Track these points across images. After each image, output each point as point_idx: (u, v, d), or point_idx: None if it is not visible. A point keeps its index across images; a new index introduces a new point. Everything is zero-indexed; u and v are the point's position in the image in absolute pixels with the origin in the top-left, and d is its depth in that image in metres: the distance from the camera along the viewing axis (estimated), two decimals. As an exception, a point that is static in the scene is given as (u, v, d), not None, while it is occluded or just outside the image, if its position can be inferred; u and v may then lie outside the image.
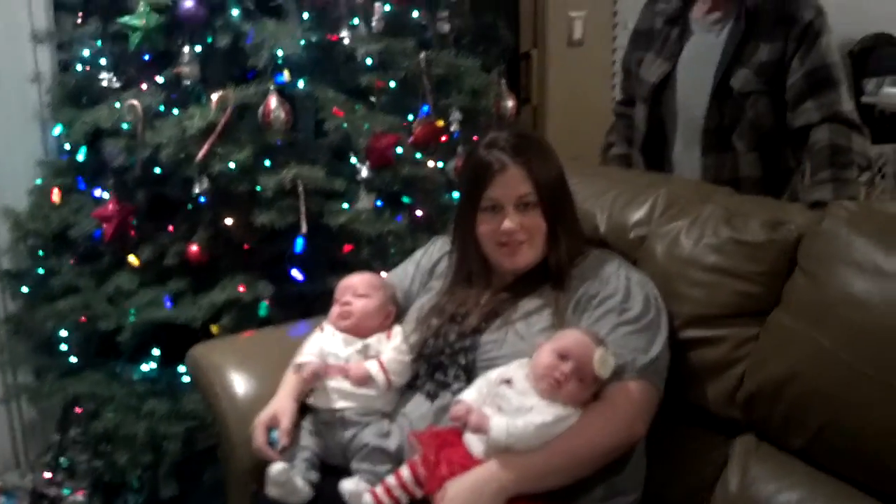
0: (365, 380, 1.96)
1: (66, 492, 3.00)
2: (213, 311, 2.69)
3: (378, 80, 2.85)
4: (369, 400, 1.97)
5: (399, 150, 2.78)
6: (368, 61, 2.85)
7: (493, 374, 1.84)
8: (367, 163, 2.71)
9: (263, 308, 2.70)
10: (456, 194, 2.88)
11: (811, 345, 1.73)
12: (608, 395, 1.79)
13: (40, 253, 3.05)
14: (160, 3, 2.71)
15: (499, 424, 1.71)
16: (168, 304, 2.77)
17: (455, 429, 1.81)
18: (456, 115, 2.99)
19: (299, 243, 2.67)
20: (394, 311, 2.14)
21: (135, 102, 2.71)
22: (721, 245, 1.96)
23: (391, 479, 1.81)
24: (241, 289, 2.69)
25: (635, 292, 1.90)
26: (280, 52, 2.64)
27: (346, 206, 2.70)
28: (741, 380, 1.90)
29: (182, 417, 2.72)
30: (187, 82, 2.73)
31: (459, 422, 1.79)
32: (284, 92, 2.68)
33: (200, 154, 2.60)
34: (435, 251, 2.26)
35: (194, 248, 2.74)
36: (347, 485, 1.82)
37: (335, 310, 2.10)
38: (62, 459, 3.06)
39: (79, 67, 3.03)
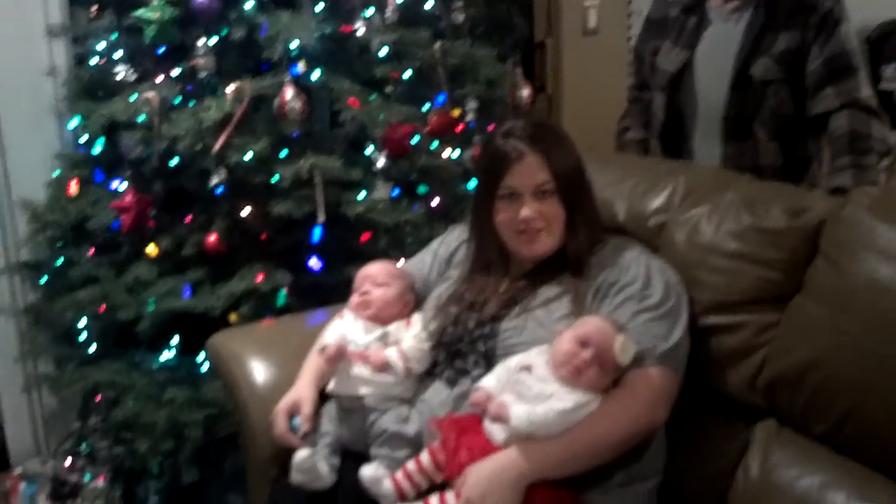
0: (384, 366, 1.96)
1: (86, 478, 3.01)
2: (232, 301, 2.70)
3: (393, 71, 2.85)
4: (388, 387, 1.98)
5: (415, 139, 2.78)
6: (383, 52, 2.84)
7: (513, 361, 1.84)
8: (384, 153, 2.72)
9: (282, 297, 2.71)
10: (472, 183, 2.88)
11: (833, 331, 1.73)
12: (628, 381, 1.79)
13: (59, 244, 3.06)
14: (174, -3, 2.72)
15: (519, 413, 1.72)
16: (187, 293, 2.78)
17: (475, 415, 1.81)
18: (471, 105, 3.00)
19: (317, 233, 2.68)
20: (413, 300, 2.15)
21: (151, 95, 2.71)
22: (742, 232, 1.95)
23: (411, 465, 1.82)
24: (260, 278, 2.70)
25: (655, 279, 1.90)
26: (295, 44, 2.64)
27: (362, 195, 2.71)
28: (762, 366, 1.90)
29: (202, 405, 2.73)
30: (203, 74, 2.74)
31: (479, 408, 1.80)
32: (300, 83, 2.68)
33: (217, 145, 2.61)
34: (452, 240, 2.27)
35: (212, 238, 2.75)
36: (367, 470, 1.82)
37: (354, 299, 2.11)
38: (83, 447, 3.08)
39: (94, 61, 3.03)
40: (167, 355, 2.88)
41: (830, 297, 1.78)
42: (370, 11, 2.85)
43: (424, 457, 1.81)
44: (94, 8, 3.07)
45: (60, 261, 3.05)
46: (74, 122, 3.07)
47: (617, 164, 2.41)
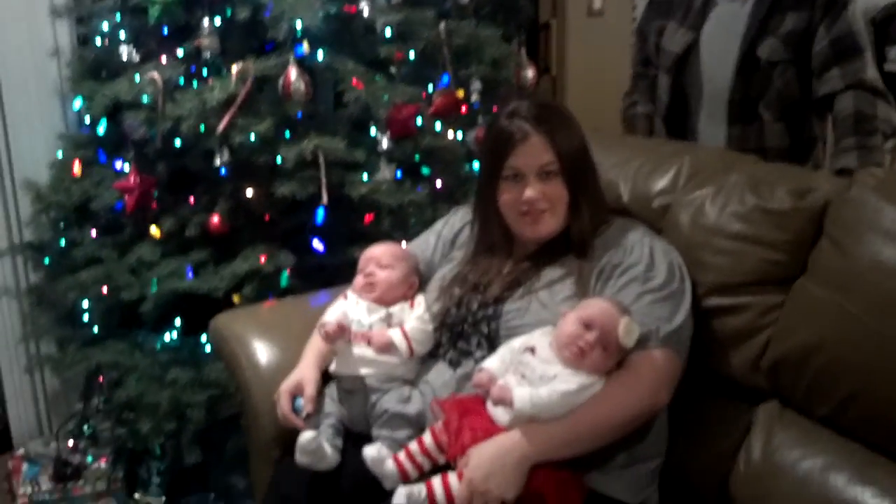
0: (387, 347, 1.96)
1: (89, 459, 3.03)
2: (235, 282, 2.70)
3: (397, 51, 2.83)
4: (391, 367, 1.98)
5: (419, 120, 2.77)
6: (388, 32, 2.83)
7: (517, 343, 1.84)
8: (388, 134, 2.71)
9: (285, 278, 2.71)
10: (476, 165, 2.88)
11: (838, 312, 1.72)
12: (632, 363, 1.79)
13: (62, 225, 3.07)
14: (179, -23, 2.71)
15: (522, 395, 1.71)
16: (190, 274, 2.78)
17: (478, 396, 1.81)
18: (476, 86, 2.99)
19: (320, 214, 2.67)
20: (417, 282, 2.14)
21: (155, 75, 2.71)
22: (746, 213, 1.95)
23: (413, 446, 1.82)
24: (263, 259, 2.70)
25: (659, 261, 1.90)
26: (299, 24, 2.63)
27: (366, 176, 2.70)
28: (765, 348, 1.90)
29: (205, 386, 2.74)
30: (207, 55, 2.73)
31: (482, 389, 1.80)
32: (304, 64, 2.67)
33: (221, 126, 2.61)
34: (456, 221, 2.26)
35: (215, 219, 2.75)
36: (370, 450, 1.82)
37: (359, 280, 2.10)
38: (86, 428, 3.10)
39: (98, 41, 3.03)
40: (170, 336, 2.89)
41: (835, 278, 1.77)
42: (374, -9, 2.84)
43: (427, 437, 1.81)
44: (99, -12, 3.06)
45: (63, 242, 3.06)
46: (78, 103, 3.07)
47: (621, 145, 2.40)
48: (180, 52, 2.80)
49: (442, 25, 2.90)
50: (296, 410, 1.97)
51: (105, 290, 2.88)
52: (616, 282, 1.88)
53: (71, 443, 3.08)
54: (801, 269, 1.88)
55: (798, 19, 2.51)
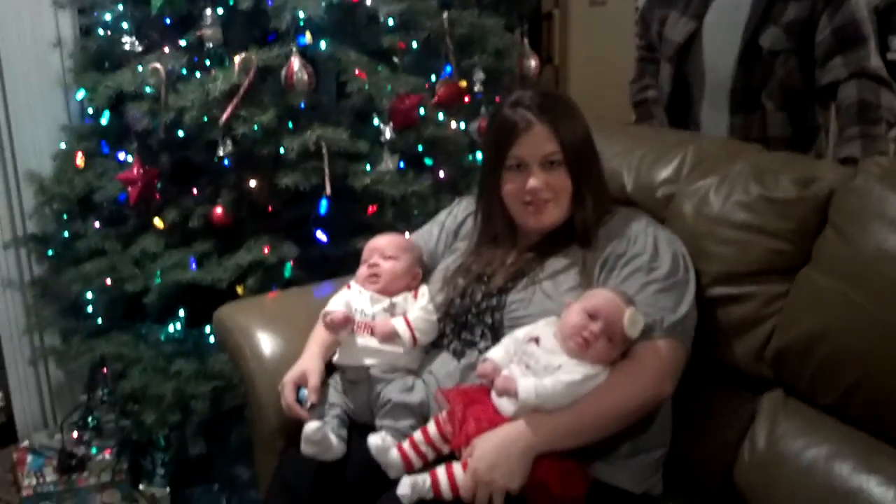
0: (390, 336, 1.96)
1: (94, 451, 3.04)
2: (239, 273, 2.70)
3: (400, 41, 2.82)
4: (395, 357, 1.98)
5: (422, 111, 2.76)
6: (390, 22, 2.81)
7: (521, 333, 1.84)
8: (390, 124, 2.70)
9: (288, 269, 2.71)
10: (479, 155, 2.87)
11: (843, 301, 1.72)
12: (636, 353, 1.79)
13: (65, 217, 3.07)
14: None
15: (526, 386, 1.71)
16: (193, 265, 2.78)
17: (482, 386, 1.81)
18: (479, 76, 2.98)
19: (323, 205, 2.67)
20: (420, 273, 2.14)
21: (157, 66, 2.70)
22: (751, 202, 1.94)
23: (418, 435, 1.82)
24: (266, 250, 2.69)
25: (663, 251, 1.89)
26: (302, 14, 2.62)
27: (369, 167, 2.69)
28: (769, 337, 1.90)
29: (209, 377, 2.74)
30: (210, 45, 2.72)
31: (486, 379, 1.80)
32: (307, 54, 2.66)
33: (224, 117, 2.60)
34: (460, 212, 2.26)
35: (219, 210, 2.75)
36: (374, 439, 1.82)
37: (363, 270, 2.10)
38: (90, 419, 3.10)
39: (101, 32, 3.03)
40: (174, 328, 2.89)
41: (839, 267, 1.76)
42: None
43: (431, 427, 1.81)
44: (101, -22, 3.05)
45: (67, 233, 3.06)
46: (81, 94, 3.07)
47: (625, 135, 2.39)
48: (183, 43, 2.79)
49: (445, 15, 2.89)
50: (300, 401, 1.97)
51: (109, 281, 2.88)
52: (620, 272, 1.88)
53: (75, 434, 3.08)
54: (805, 259, 1.87)
55: (800, 8, 2.50)
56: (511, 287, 1.97)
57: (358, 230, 2.66)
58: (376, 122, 2.73)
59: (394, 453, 1.80)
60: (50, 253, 3.16)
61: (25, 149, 3.18)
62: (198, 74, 2.74)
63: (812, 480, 1.75)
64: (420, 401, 1.92)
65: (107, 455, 3.03)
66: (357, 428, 1.96)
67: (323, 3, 2.66)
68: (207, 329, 2.80)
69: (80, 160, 3.01)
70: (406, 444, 1.81)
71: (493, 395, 1.77)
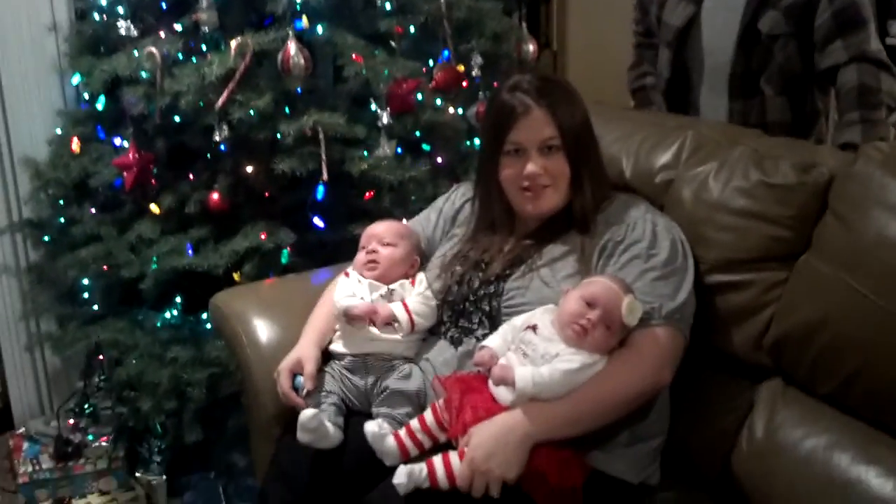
0: (389, 319, 1.95)
1: (90, 438, 3.03)
2: (235, 259, 2.69)
3: (398, 25, 2.80)
4: (392, 345, 1.97)
5: (419, 95, 2.75)
6: (388, 6, 2.81)
7: (518, 321, 1.83)
8: (388, 109, 2.68)
9: (285, 256, 2.70)
10: (477, 140, 2.86)
11: (843, 289, 1.71)
12: (634, 341, 1.78)
13: (61, 202, 3.06)
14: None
15: (523, 374, 1.70)
16: (190, 251, 2.76)
17: (479, 374, 1.80)
18: (477, 60, 2.96)
19: (320, 191, 2.66)
20: (419, 260, 2.13)
21: (153, 50, 2.68)
22: (750, 188, 1.92)
23: (414, 423, 1.81)
24: (263, 236, 2.68)
25: (662, 237, 1.88)
26: (298, -2, 2.61)
27: (366, 153, 2.68)
28: (769, 325, 1.89)
29: (205, 364, 2.73)
30: (205, 29, 2.70)
31: (483, 367, 1.78)
32: (303, 38, 2.64)
33: (220, 101, 2.58)
34: (457, 198, 2.25)
35: (215, 196, 2.73)
36: (371, 426, 1.81)
37: (361, 257, 2.09)
38: (86, 406, 3.09)
39: (96, 16, 3.01)
40: (170, 314, 2.88)
41: (840, 254, 1.75)
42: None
43: (428, 415, 1.80)
44: (96, -38, 3.03)
45: (63, 219, 3.04)
46: (76, 79, 3.05)
47: (623, 120, 2.37)
48: (179, 27, 2.77)
49: (442, -1, 2.87)
50: (296, 388, 1.96)
51: (105, 267, 2.88)
52: (618, 259, 1.87)
53: (72, 421, 3.08)
54: (805, 246, 1.86)
55: (800, -9, 2.48)
56: (509, 274, 1.96)
57: (355, 216, 2.65)
58: (373, 106, 2.71)
59: (390, 441, 1.79)
60: (46, 239, 3.14)
61: (21, 134, 3.16)
62: (194, 59, 2.71)
63: (811, 470, 1.74)
64: (417, 388, 1.92)
65: (103, 442, 3.02)
66: (354, 416, 1.95)
67: (319, -13, 2.65)
68: (204, 315, 2.79)
69: (75, 145, 2.99)
70: (402, 432, 1.80)
71: (491, 383, 1.76)
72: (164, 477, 2.96)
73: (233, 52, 2.60)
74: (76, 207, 3.01)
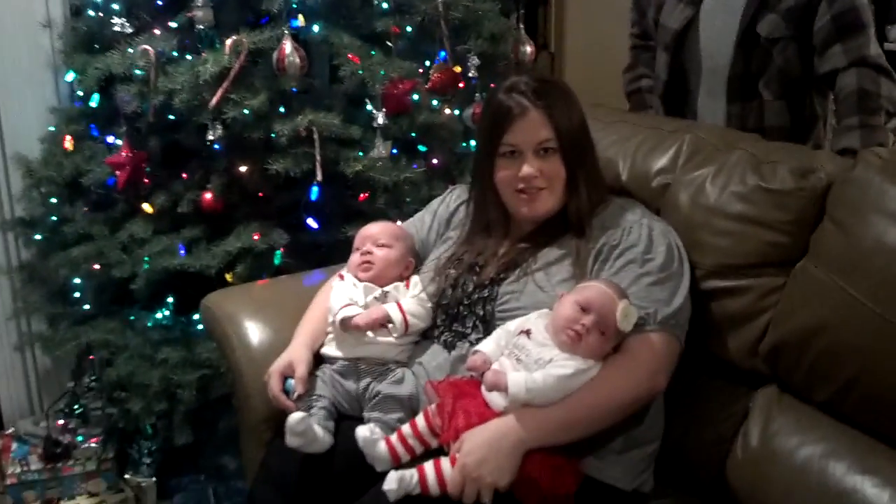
0: (383, 320, 1.93)
1: (79, 439, 3.02)
2: (228, 260, 2.67)
3: (394, 25, 2.79)
4: (385, 349, 1.95)
5: (415, 96, 2.74)
6: (384, 5, 2.79)
7: (512, 325, 1.82)
8: (383, 110, 2.67)
9: (278, 256, 2.68)
10: (473, 142, 2.84)
11: (840, 295, 1.70)
12: (629, 347, 1.76)
13: (53, 200, 3.03)
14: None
15: (517, 380, 1.68)
16: (182, 252, 2.74)
17: (473, 379, 1.79)
18: (473, 61, 2.94)
19: (314, 191, 2.63)
20: (413, 262, 2.12)
21: (147, 48, 2.67)
22: (748, 193, 1.92)
23: (406, 428, 1.79)
24: (256, 237, 2.67)
25: (658, 242, 1.87)
26: (294, -3, 2.60)
27: (361, 153, 2.67)
28: (765, 331, 1.88)
29: (196, 365, 2.71)
30: (200, 27, 2.68)
31: (476, 372, 1.77)
32: (299, 37, 2.63)
33: (214, 100, 2.56)
34: (453, 200, 2.23)
35: (208, 195, 2.71)
36: (362, 431, 1.79)
37: (355, 258, 2.07)
38: (76, 407, 3.07)
39: (91, 13, 2.98)
40: (162, 315, 2.86)
41: (837, 260, 1.74)
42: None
43: (420, 420, 1.79)
44: (91, -41, 3.01)
45: (55, 218, 3.02)
46: (70, 76, 3.03)
47: (621, 122, 2.36)
48: (173, 25, 2.75)
49: (439, -1, 2.86)
50: (287, 391, 1.94)
51: (96, 267, 2.86)
52: (614, 263, 1.86)
53: (61, 422, 3.06)
54: (802, 251, 1.85)
55: (799, -6, 2.47)
56: (503, 278, 1.94)
57: (349, 217, 2.64)
58: (369, 107, 2.69)
59: (381, 446, 1.77)
60: (38, 237, 3.12)
61: (13, 131, 3.14)
62: (188, 57, 2.69)
63: (806, 479, 1.73)
64: (409, 393, 1.90)
65: (92, 443, 3.00)
66: (345, 420, 1.92)
67: (316, -14, 2.63)
68: (196, 316, 2.77)
69: (68, 143, 2.96)
70: (394, 438, 1.78)
71: (484, 388, 1.74)
72: (154, 479, 2.95)
73: (228, 50, 2.58)
74: (68, 206, 2.99)
